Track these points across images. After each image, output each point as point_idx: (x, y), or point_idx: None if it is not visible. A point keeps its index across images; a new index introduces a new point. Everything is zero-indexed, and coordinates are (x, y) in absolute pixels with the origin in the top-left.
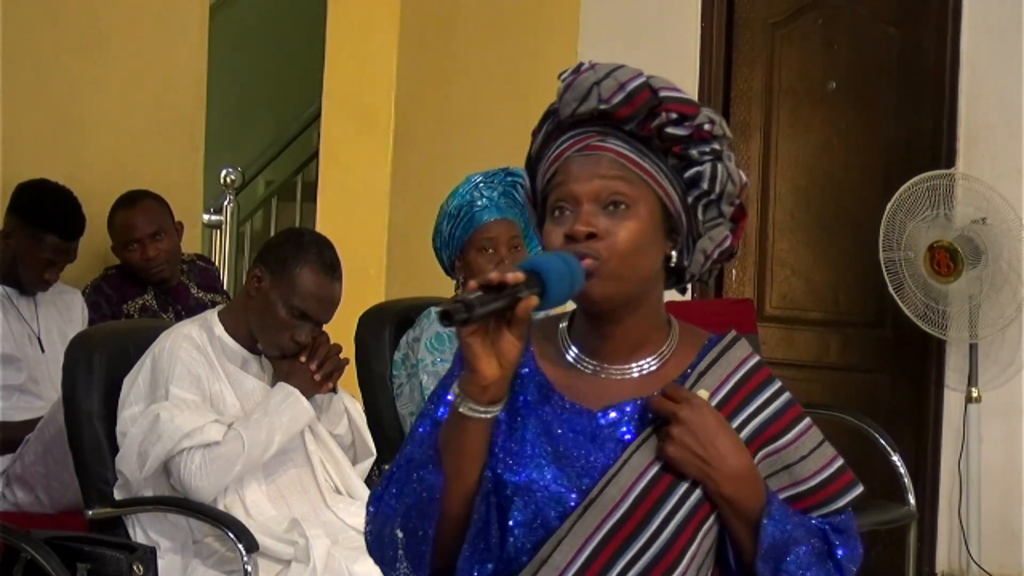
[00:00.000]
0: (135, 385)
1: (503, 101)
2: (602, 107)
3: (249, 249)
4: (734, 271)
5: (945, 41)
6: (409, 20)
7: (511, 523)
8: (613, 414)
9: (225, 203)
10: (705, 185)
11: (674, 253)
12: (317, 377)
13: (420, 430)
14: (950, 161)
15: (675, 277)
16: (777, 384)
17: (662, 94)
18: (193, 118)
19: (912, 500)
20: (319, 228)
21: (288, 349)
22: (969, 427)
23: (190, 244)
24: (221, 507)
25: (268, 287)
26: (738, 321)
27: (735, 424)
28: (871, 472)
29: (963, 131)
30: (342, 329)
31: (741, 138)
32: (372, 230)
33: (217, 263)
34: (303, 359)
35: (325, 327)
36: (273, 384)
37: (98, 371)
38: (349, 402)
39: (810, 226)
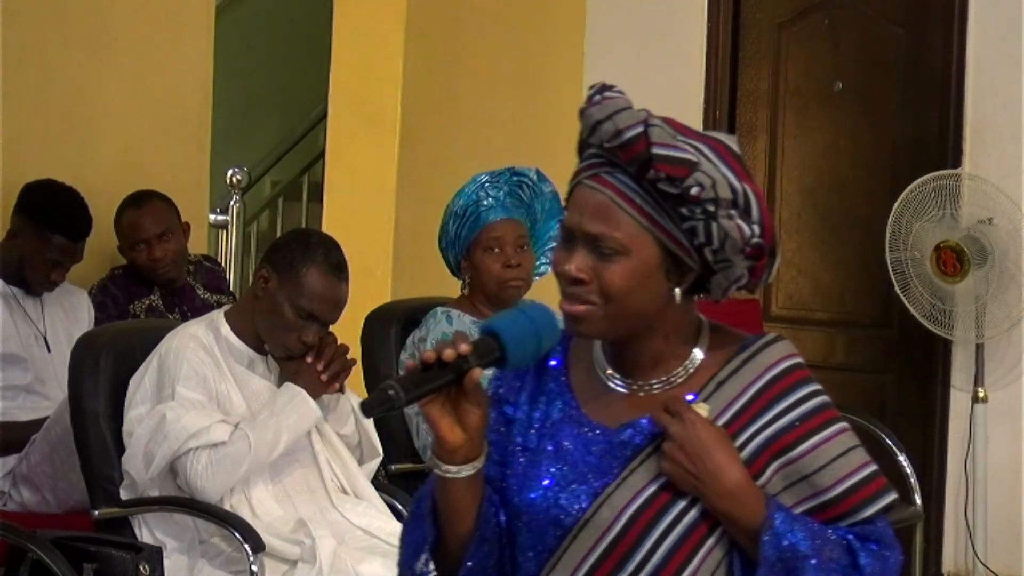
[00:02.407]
0: (141, 385)
1: (509, 101)
2: (604, 147)
3: (255, 249)
4: None
5: (951, 41)
6: (415, 20)
7: (518, 547)
8: (629, 431)
9: (231, 203)
10: (702, 238)
11: (677, 291)
12: (324, 377)
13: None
14: (956, 161)
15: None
16: (807, 388)
17: (654, 151)
18: (200, 118)
19: (918, 500)
20: (325, 228)
21: (295, 350)
22: (975, 427)
23: (196, 244)
24: (227, 507)
25: (275, 288)
26: (744, 321)
27: (748, 433)
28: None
29: (969, 131)
30: (348, 329)
31: (747, 138)
32: (378, 230)
33: (223, 263)
34: (310, 359)
35: (331, 327)
36: (280, 384)
37: (104, 371)
38: (356, 402)
39: (816, 226)
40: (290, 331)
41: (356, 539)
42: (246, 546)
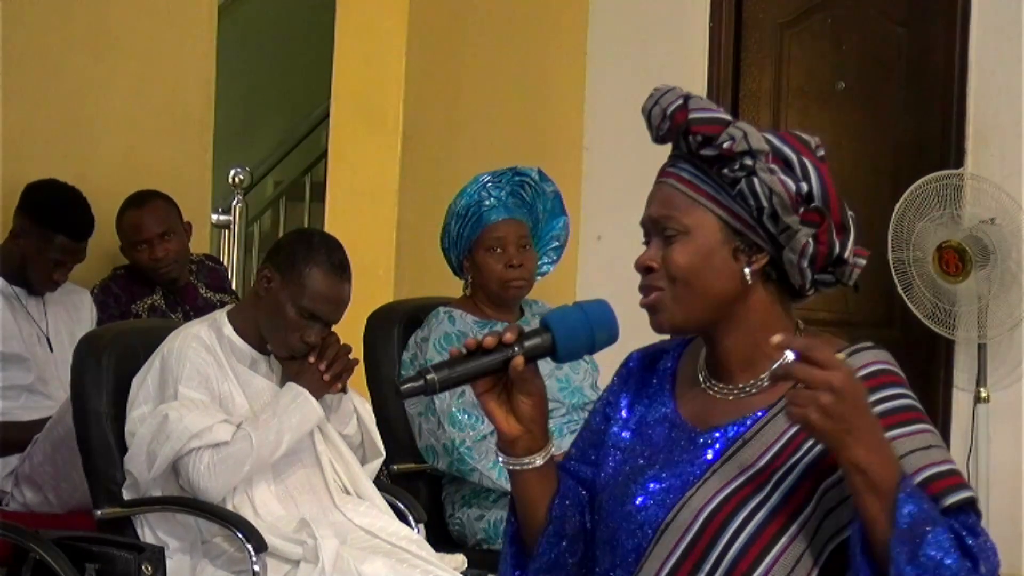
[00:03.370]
0: (144, 385)
1: (512, 101)
2: (660, 134)
3: (258, 249)
4: None
5: (954, 41)
6: (418, 20)
7: (595, 542)
8: (716, 433)
9: (234, 203)
10: (752, 201)
11: (747, 271)
12: (326, 377)
13: None
14: (959, 161)
15: (793, 291)
16: (896, 390)
17: (691, 116)
18: (202, 118)
19: None
20: (328, 228)
21: (297, 350)
22: (977, 427)
23: (199, 244)
24: (230, 507)
25: (277, 288)
26: None
27: None
28: None
29: (972, 131)
30: (351, 329)
31: None
32: (381, 230)
33: (226, 263)
34: (312, 359)
35: (334, 327)
36: (282, 384)
37: (107, 371)
38: (359, 402)
39: None
40: (292, 331)
41: (358, 539)
42: (248, 546)
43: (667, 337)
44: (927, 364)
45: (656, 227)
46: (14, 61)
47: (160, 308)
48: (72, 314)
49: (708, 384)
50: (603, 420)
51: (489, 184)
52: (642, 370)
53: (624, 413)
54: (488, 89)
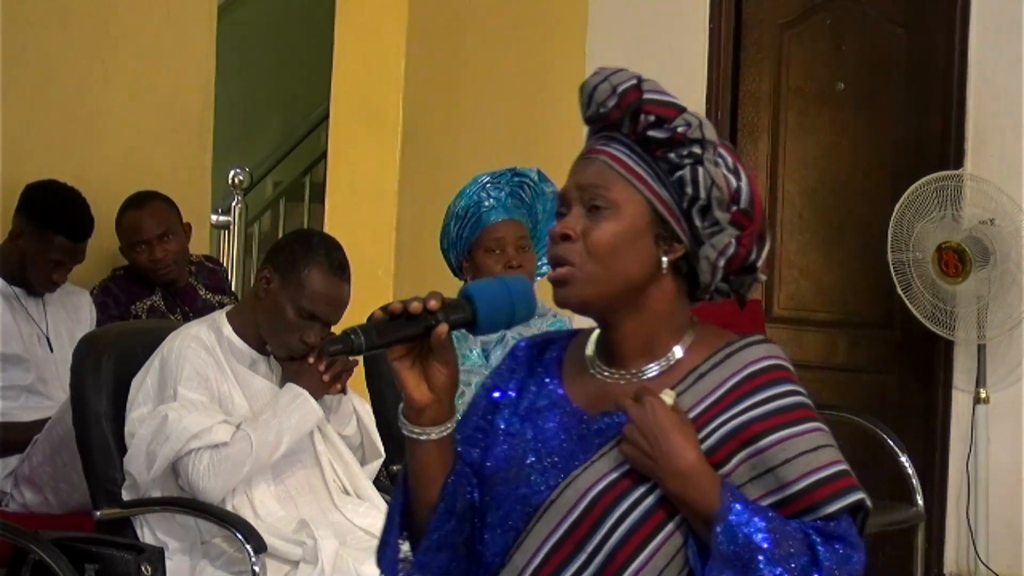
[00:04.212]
0: (143, 386)
1: (511, 102)
2: (600, 111)
3: (257, 250)
4: None
5: (953, 42)
6: (417, 21)
7: (485, 525)
8: (607, 420)
9: (233, 204)
10: (689, 190)
11: (664, 260)
12: (326, 378)
13: None
14: (958, 162)
15: (692, 290)
16: (783, 387)
17: (646, 96)
18: (201, 119)
19: (920, 501)
20: (327, 229)
21: (297, 350)
22: (977, 428)
23: (198, 245)
24: (229, 508)
25: (277, 288)
26: (746, 322)
27: (718, 421)
28: (879, 473)
29: (971, 132)
30: None
31: (749, 139)
32: (380, 231)
33: (225, 264)
34: (311, 360)
35: (333, 328)
36: (282, 385)
37: (106, 372)
38: (358, 403)
39: (818, 227)
40: (292, 331)
41: (358, 539)
42: (248, 547)
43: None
44: (926, 365)
45: (583, 196)
46: (14, 61)
47: (159, 309)
48: (72, 315)
49: (598, 369)
50: (490, 406)
51: (488, 185)
52: (530, 358)
53: (513, 398)
54: (488, 90)
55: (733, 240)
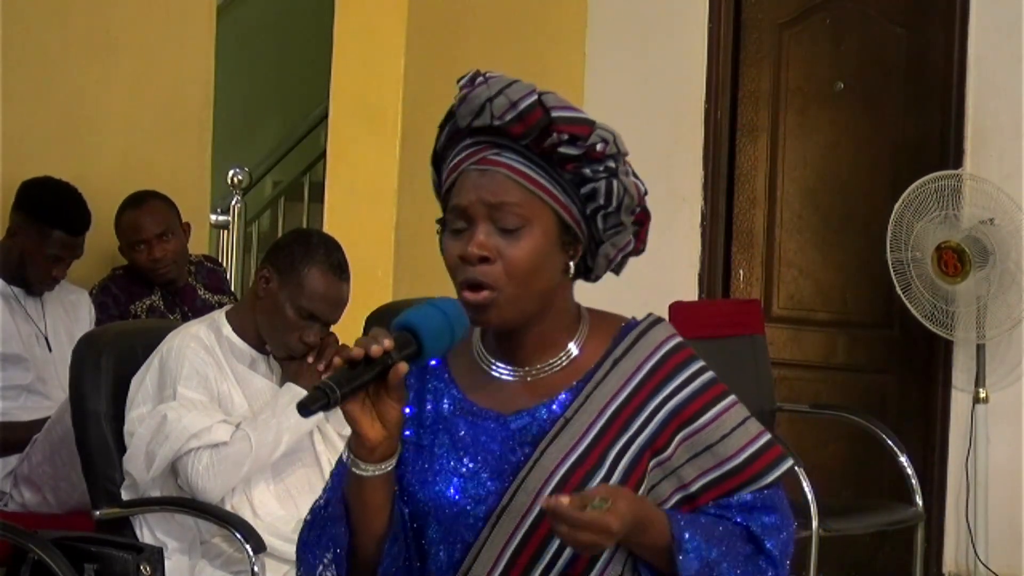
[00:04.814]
0: (143, 385)
1: None
2: (495, 123)
3: (256, 249)
4: (741, 271)
5: (953, 41)
6: (417, 20)
7: (428, 541)
8: (525, 418)
9: (233, 203)
10: (601, 200)
11: (572, 264)
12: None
13: (335, 474)
14: (958, 162)
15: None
16: (698, 364)
17: (554, 114)
18: (201, 118)
19: (919, 501)
20: (326, 228)
21: (296, 350)
22: (976, 428)
23: (197, 244)
24: (228, 507)
25: (276, 288)
26: (745, 321)
27: (653, 405)
28: (878, 472)
29: (971, 132)
30: (349, 329)
31: (748, 139)
32: (380, 230)
33: (224, 263)
34: (311, 360)
35: (333, 327)
36: (281, 384)
37: (105, 371)
38: None
39: (817, 226)
40: (291, 331)
41: None
42: (247, 547)
43: None
44: (926, 365)
45: (492, 214)
46: (14, 61)
47: (159, 309)
48: (71, 314)
49: (493, 368)
50: None
51: None
52: (416, 369)
53: (413, 411)
54: None
55: (632, 237)
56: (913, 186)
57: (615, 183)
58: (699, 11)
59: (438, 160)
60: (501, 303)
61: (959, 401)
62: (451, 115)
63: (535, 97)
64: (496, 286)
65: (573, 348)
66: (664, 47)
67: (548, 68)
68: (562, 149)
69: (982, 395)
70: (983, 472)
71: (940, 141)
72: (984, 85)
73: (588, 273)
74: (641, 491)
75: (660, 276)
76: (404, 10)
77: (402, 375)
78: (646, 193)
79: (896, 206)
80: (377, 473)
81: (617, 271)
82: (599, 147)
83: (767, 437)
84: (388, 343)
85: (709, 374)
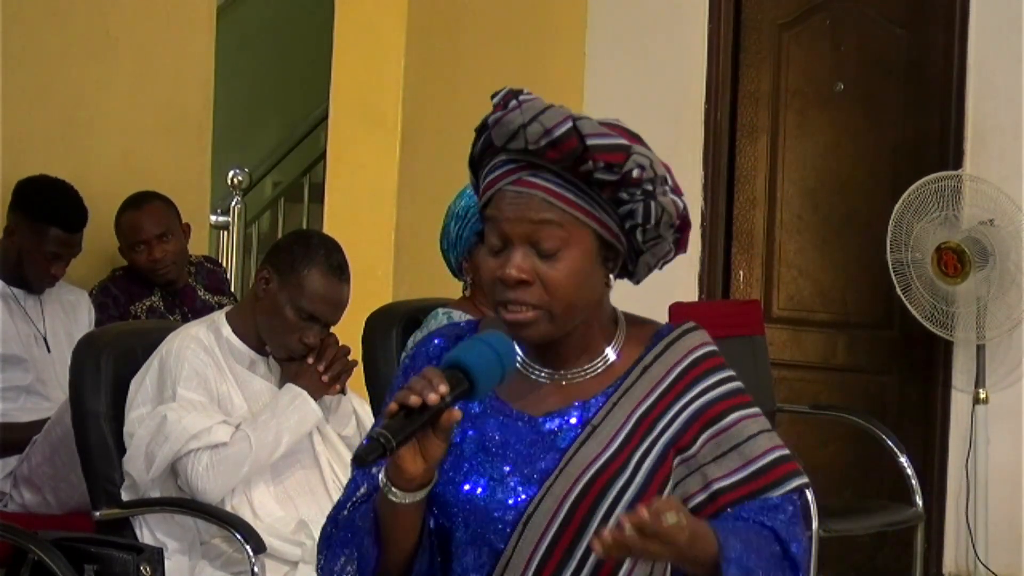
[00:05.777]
0: (142, 387)
1: None
2: (529, 148)
3: (256, 250)
4: (741, 272)
5: (953, 42)
6: (417, 21)
7: (455, 543)
8: (557, 421)
9: (233, 204)
10: (639, 220)
11: (612, 276)
12: (325, 378)
13: (363, 473)
14: (957, 162)
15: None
16: (726, 373)
17: (589, 142)
18: (201, 119)
19: (919, 501)
20: (326, 229)
21: (296, 351)
22: (976, 428)
23: (197, 245)
24: (228, 508)
25: (276, 289)
26: (745, 322)
27: (679, 406)
28: (879, 473)
29: (970, 132)
30: (350, 330)
31: (748, 139)
32: (380, 231)
33: (224, 264)
34: (311, 360)
35: (333, 328)
36: (281, 385)
37: (105, 372)
38: (358, 404)
39: (817, 227)
40: (291, 332)
41: None
42: (247, 547)
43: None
44: (926, 365)
45: (529, 238)
46: (12, 62)
47: (158, 309)
48: (70, 315)
49: (531, 371)
50: None
51: None
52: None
53: None
54: (487, 90)
55: (672, 246)
56: (913, 187)
57: (652, 204)
58: (699, 11)
59: (475, 165)
60: (543, 321)
61: (959, 402)
62: (485, 124)
63: (570, 124)
64: (538, 306)
65: (611, 354)
66: (664, 48)
67: (548, 68)
68: (599, 175)
69: (982, 396)
70: (983, 473)
71: (940, 142)
72: (984, 86)
73: (630, 275)
74: (667, 490)
75: (660, 276)
76: (404, 10)
77: (456, 420)
78: (685, 209)
79: (896, 207)
80: (414, 500)
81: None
82: (635, 173)
83: (787, 451)
84: (443, 388)
85: (735, 383)
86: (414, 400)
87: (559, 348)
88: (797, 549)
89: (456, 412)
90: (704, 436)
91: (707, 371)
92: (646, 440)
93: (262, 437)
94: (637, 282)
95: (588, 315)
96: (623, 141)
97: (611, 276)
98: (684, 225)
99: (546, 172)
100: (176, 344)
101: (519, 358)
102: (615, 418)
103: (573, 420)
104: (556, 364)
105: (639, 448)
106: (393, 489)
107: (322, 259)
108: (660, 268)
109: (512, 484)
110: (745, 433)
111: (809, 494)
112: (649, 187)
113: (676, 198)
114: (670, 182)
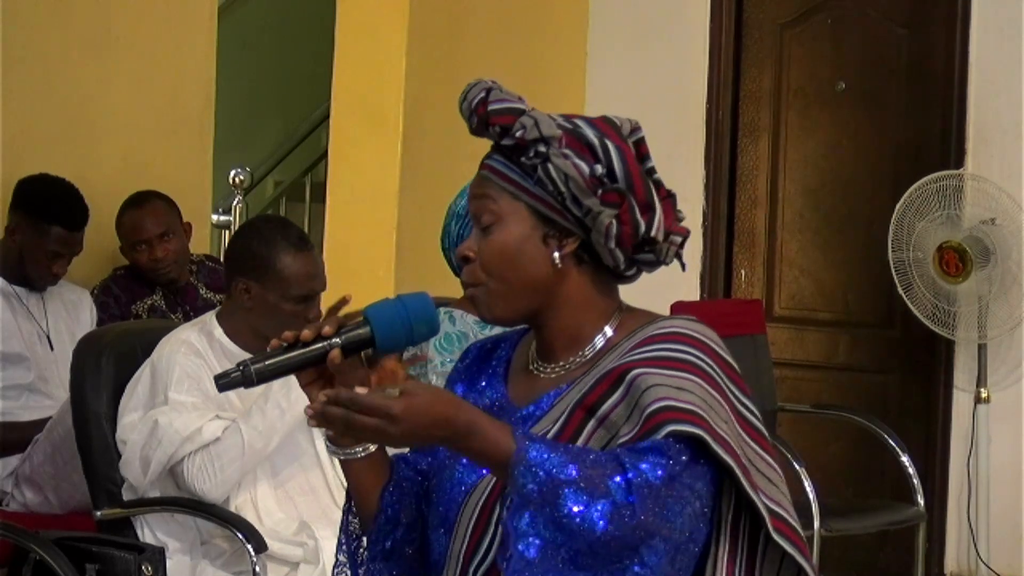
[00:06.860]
0: (134, 393)
1: None
2: (472, 128)
3: None
4: (742, 271)
5: (954, 42)
6: (418, 21)
7: (430, 526)
8: (531, 407)
9: (234, 203)
10: (550, 186)
11: (556, 255)
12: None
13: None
14: (959, 162)
15: (611, 274)
16: (683, 347)
17: (489, 107)
18: (202, 118)
19: (921, 500)
20: (328, 228)
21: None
22: (978, 427)
23: (199, 244)
24: (232, 510)
25: (260, 292)
26: (747, 322)
27: (621, 362)
28: (880, 472)
29: (972, 132)
30: None
31: (750, 139)
32: (381, 230)
33: None
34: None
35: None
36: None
37: (107, 371)
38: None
39: (819, 226)
40: (297, 318)
41: None
42: (248, 547)
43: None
44: (927, 364)
45: (475, 217)
46: (14, 61)
47: (160, 308)
48: (72, 313)
49: (536, 366)
50: None
51: None
52: (478, 360)
53: (458, 391)
54: None
55: (613, 220)
56: (914, 186)
57: (550, 167)
58: (700, 11)
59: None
60: (486, 297)
61: (960, 401)
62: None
63: (483, 94)
64: (478, 282)
65: (600, 342)
66: (665, 47)
67: (549, 68)
68: (504, 141)
69: (983, 395)
70: (984, 472)
71: (941, 141)
72: (985, 85)
73: (612, 273)
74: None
75: (661, 276)
76: (405, 10)
77: (336, 361)
78: (603, 173)
79: (897, 206)
80: (348, 457)
81: (659, 262)
82: (519, 133)
83: (696, 410)
84: (328, 329)
85: (686, 356)
86: (287, 335)
87: (546, 338)
88: (634, 475)
89: (335, 353)
90: (615, 396)
91: (667, 340)
92: (587, 421)
93: (254, 422)
94: (626, 279)
95: (548, 297)
96: (517, 105)
97: (556, 254)
98: (614, 198)
99: (496, 153)
100: (167, 349)
101: (531, 353)
102: (565, 400)
103: (545, 404)
104: (551, 358)
105: (580, 430)
106: (331, 445)
107: (282, 242)
108: (632, 254)
109: (472, 467)
110: (644, 385)
111: (807, 485)
112: (541, 147)
113: (580, 162)
114: (581, 147)
